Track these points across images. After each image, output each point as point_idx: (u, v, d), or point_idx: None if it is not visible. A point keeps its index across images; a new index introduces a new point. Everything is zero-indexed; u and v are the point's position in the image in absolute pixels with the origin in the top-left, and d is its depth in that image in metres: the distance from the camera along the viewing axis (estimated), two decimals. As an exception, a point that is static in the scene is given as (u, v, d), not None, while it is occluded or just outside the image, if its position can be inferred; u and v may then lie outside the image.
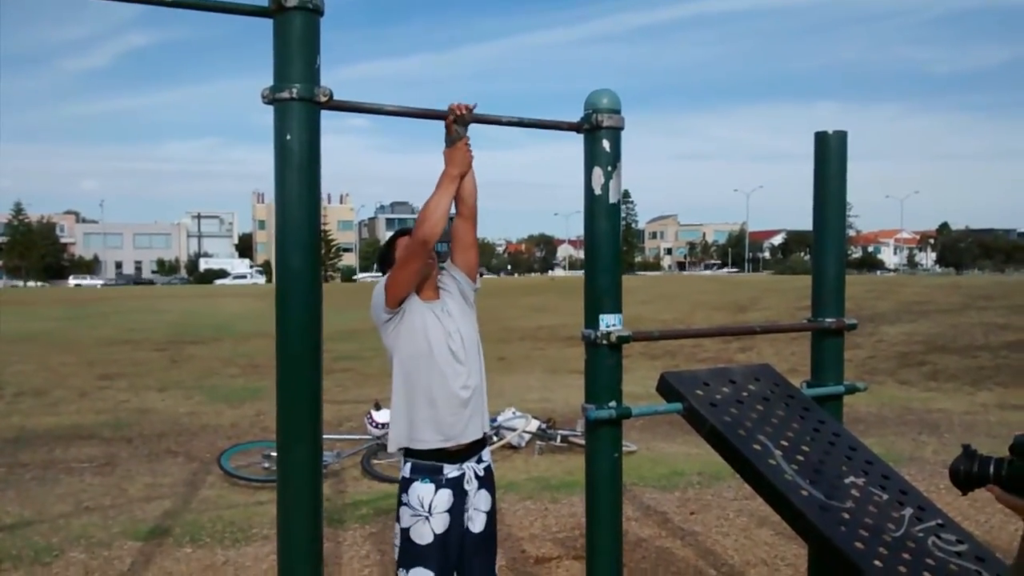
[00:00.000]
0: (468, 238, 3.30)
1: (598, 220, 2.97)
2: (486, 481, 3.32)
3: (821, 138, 3.48)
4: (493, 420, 7.99)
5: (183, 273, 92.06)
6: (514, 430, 7.80)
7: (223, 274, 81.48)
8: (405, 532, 3.16)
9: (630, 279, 49.12)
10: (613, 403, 2.94)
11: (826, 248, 3.50)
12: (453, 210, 3.21)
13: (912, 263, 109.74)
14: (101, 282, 79.22)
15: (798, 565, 4.59)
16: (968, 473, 1.93)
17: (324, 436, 7.98)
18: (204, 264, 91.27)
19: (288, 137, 2.45)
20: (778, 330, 4.00)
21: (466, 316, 3.28)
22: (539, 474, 6.94)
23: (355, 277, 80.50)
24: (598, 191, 2.95)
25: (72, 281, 79.81)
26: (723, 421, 2.99)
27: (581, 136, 2.99)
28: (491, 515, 3.31)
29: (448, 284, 3.31)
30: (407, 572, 3.15)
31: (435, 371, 3.14)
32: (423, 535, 3.14)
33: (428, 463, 3.17)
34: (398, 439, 3.20)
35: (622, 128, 2.97)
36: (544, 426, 7.90)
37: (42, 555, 5.10)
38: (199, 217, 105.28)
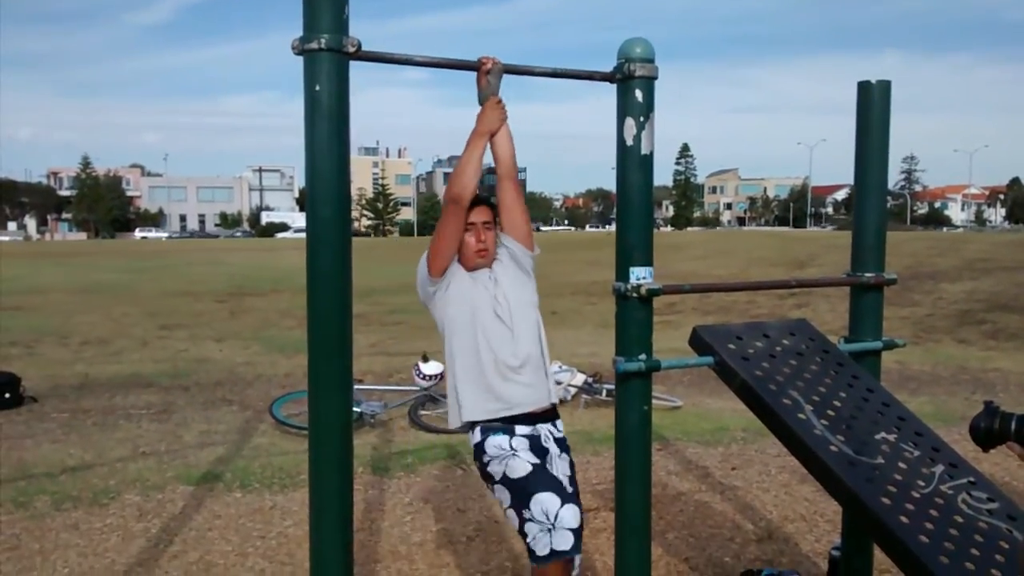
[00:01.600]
0: (508, 199, 3.23)
1: (630, 172, 2.95)
2: (564, 446, 3.27)
3: (864, 88, 3.39)
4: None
5: (245, 226, 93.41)
6: (560, 384, 7.84)
7: (284, 227, 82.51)
8: (504, 480, 3.07)
9: (686, 234, 48.67)
10: (643, 356, 2.94)
11: (867, 202, 3.43)
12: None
13: (980, 220, 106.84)
14: (166, 235, 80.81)
15: (836, 521, 4.58)
16: (989, 430, 1.92)
17: (373, 387, 8.15)
18: (265, 217, 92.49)
19: (317, 88, 2.47)
20: (814, 284, 3.95)
21: (518, 283, 3.21)
22: (583, 428, 6.99)
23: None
24: (630, 142, 2.92)
25: (138, 234, 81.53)
26: (754, 375, 2.97)
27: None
28: (574, 480, 3.25)
29: (499, 252, 3.24)
30: (528, 507, 3.00)
31: (480, 337, 3.11)
32: (518, 468, 3.06)
33: (496, 422, 3.13)
34: (457, 416, 3.16)
35: (655, 78, 2.93)
36: (591, 380, 7.92)
37: (100, 497, 5.29)
38: (260, 171, 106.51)
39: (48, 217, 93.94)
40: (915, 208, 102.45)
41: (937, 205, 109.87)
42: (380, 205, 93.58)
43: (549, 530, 2.98)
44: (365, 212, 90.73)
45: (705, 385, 8.54)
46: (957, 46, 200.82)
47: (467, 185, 3.05)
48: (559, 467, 3.18)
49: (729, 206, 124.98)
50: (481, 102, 3.04)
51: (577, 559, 3.06)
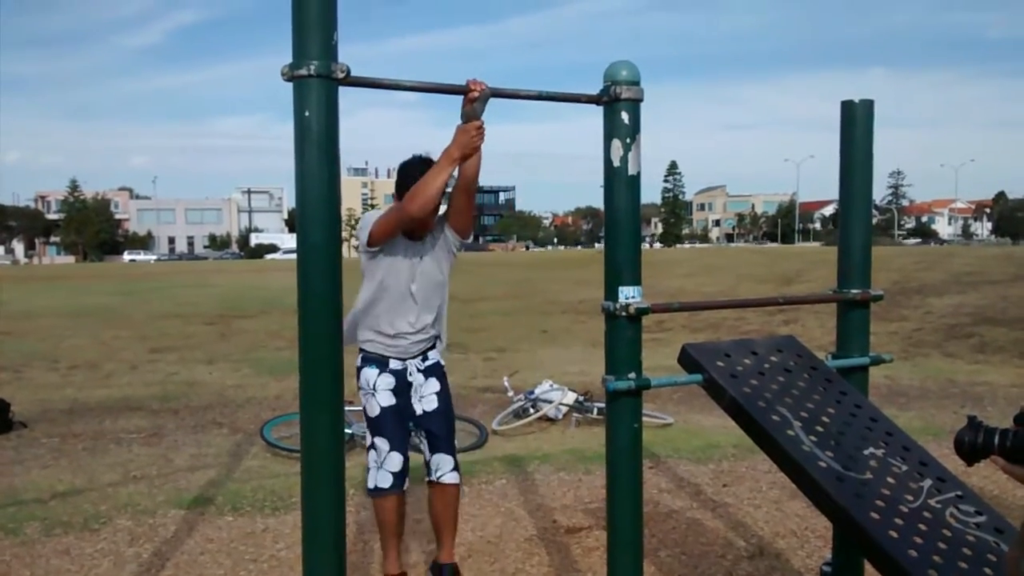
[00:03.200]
0: (459, 205, 3.81)
1: (617, 193, 2.98)
2: (431, 372, 3.97)
3: (847, 107, 3.44)
4: (530, 392, 8.06)
5: (234, 248, 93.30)
6: (550, 402, 7.85)
7: (273, 249, 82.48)
8: (364, 414, 3.94)
9: (675, 251, 48.81)
10: (633, 374, 2.96)
11: (852, 218, 3.48)
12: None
13: (967, 233, 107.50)
14: (154, 257, 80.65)
15: (827, 537, 4.58)
16: (973, 444, 1.94)
17: (359, 408, 8.12)
18: (255, 239, 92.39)
19: (307, 113, 2.49)
20: (801, 301, 3.98)
21: (438, 260, 3.88)
22: (574, 446, 6.99)
23: None
24: (617, 163, 2.96)
25: (127, 257, 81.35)
26: (742, 392, 3.00)
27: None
28: (442, 395, 3.97)
29: (436, 231, 3.86)
30: (371, 441, 3.90)
31: (390, 305, 3.82)
32: (372, 408, 3.88)
33: (374, 355, 3.91)
34: (348, 336, 3.77)
35: (641, 100, 2.97)
36: (581, 399, 7.94)
37: (91, 522, 5.27)
38: (249, 192, 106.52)
39: (36, 241, 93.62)
40: (903, 222, 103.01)
41: (924, 219, 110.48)
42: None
43: (376, 467, 3.88)
44: (354, 233, 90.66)
45: (695, 402, 8.57)
46: (942, 63, 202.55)
47: (427, 206, 3.50)
48: (423, 390, 3.94)
49: (718, 223, 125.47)
50: (462, 122, 3.08)
51: (445, 460, 4.00)
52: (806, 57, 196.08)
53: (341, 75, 2.50)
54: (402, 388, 3.91)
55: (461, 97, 3.07)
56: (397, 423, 3.91)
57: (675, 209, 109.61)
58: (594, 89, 3.00)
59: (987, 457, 1.94)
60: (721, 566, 4.46)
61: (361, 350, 3.94)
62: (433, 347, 4.01)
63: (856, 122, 3.41)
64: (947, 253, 28.88)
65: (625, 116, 2.94)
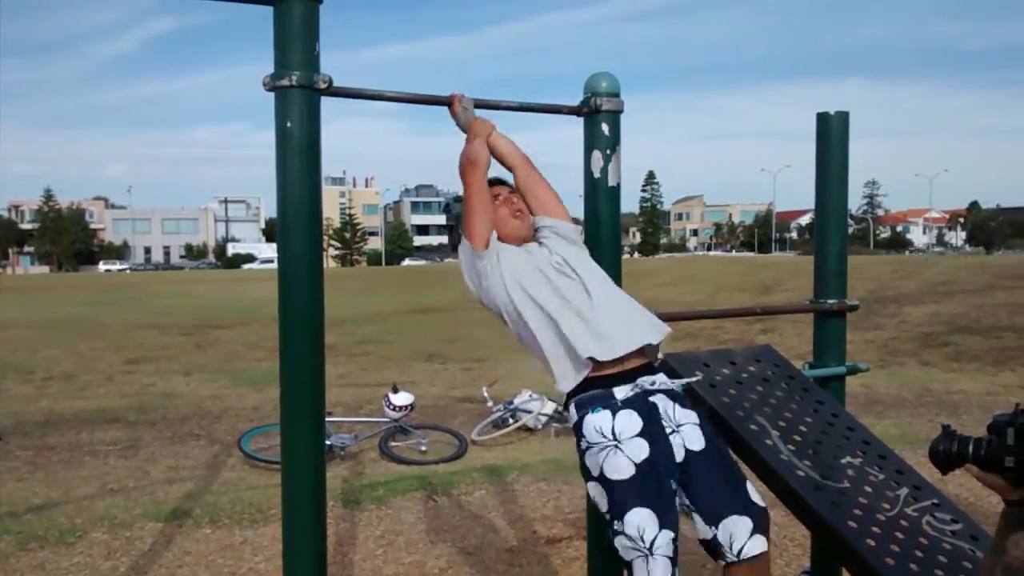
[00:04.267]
0: (524, 182, 2.95)
1: (598, 204, 3.01)
2: (679, 397, 2.67)
3: (823, 119, 3.49)
4: (510, 403, 8.07)
5: (211, 258, 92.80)
6: (530, 412, 7.86)
7: (250, 258, 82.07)
8: (601, 479, 2.53)
9: (653, 261, 49.00)
10: (613, 384, 2.97)
11: (827, 230, 3.52)
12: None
13: (942, 242, 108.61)
14: (129, 267, 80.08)
15: (806, 545, 4.62)
16: (947, 453, 1.96)
17: (343, 419, 8.11)
18: (232, 249, 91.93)
19: (288, 124, 2.50)
20: (778, 311, 4.03)
21: (571, 249, 2.83)
22: (554, 456, 7.00)
23: (405, 262, 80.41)
24: (597, 174, 2.99)
25: (102, 267, 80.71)
26: (721, 402, 3.02)
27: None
28: (706, 426, 2.65)
29: (540, 234, 2.89)
30: (622, 522, 2.47)
31: (550, 292, 2.69)
32: (619, 468, 2.50)
33: (592, 392, 2.59)
34: (560, 384, 2.66)
35: (621, 111, 3.00)
36: (561, 408, 7.95)
37: (66, 536, 5.22)
38: (226, 202, 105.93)
39: (9, 251, 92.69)
40: (878, 232, 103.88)
41: (899, 229, 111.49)
42: (347, 235, 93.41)
43: (645, 556, 2.45)
44: (332, 242, 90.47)
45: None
46: (917, 74, 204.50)
47: (478, 151, 2.79)
48: (678, 418, 2.60)
49: (695, 232, 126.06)
50: (464, 128, 3.00)
51: (742, 528, 2.56)
52: (783, 67, 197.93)
53: (323, 86, 2.51)
54: (650, 421, 2.55)
55: (444, 108, 3.08)
56: (658, 485, 2.50)
57: (653, 219, 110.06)
58: (574, 99, 3.02)
59: (961, 466, 1.97)
60: (700, 575, 4.47)
61: (570, 397, 2.65)
62: (655, 367, 2.73)
63: (831, 134, 3.46)
64: (923, 263, 29.17)
65: (605, 127, 2.96)
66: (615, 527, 2.50)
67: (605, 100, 2.95)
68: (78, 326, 19.35)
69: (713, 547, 2.58)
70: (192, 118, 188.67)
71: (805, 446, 2.93)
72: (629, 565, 2.49)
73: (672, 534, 2.47)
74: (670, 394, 2.64)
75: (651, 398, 2.58)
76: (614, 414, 2.54)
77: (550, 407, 7.94)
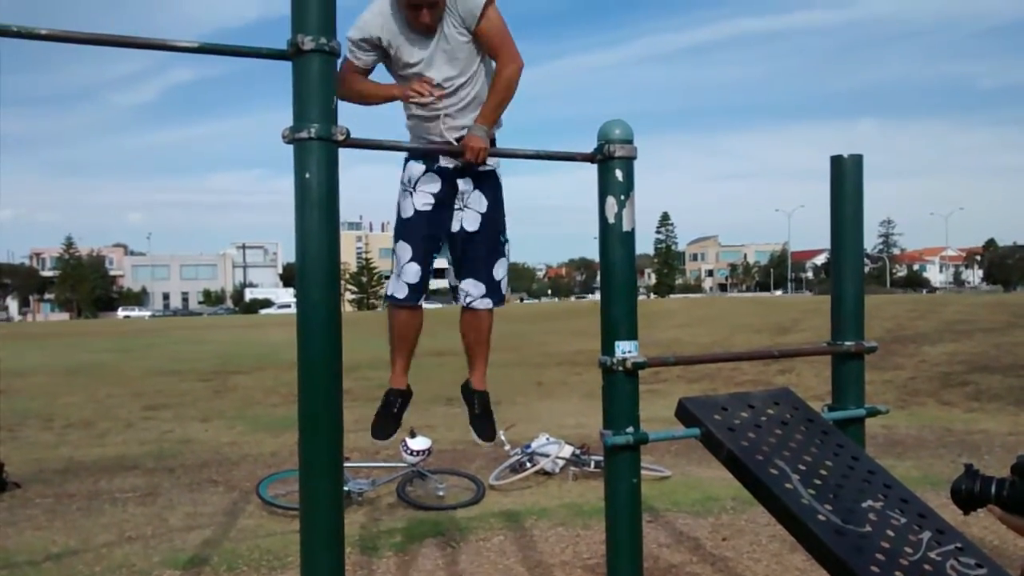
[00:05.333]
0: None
1: (612, 248, 3.03)
2: (484, 180, 3.59)
3: (836, 162, 3.50)
4: (527, 446, 8.04)
5: (229, 303, 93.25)
6: (547, 456, 7.83)
7: (268, 304, 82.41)
8: (397, 215, 3.59)
9: (669, 302, 48.87)
10: (630, 429, 2.98)
11: (844, 271, 3.52)
12: None
13: (959, 281, 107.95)
14: (148, 313, 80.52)
15: (829, 589, 4.57)
16: (970, 492, 1.96)
17: (360, 464, 8.10)
18: (249, 294, 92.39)
19: (307, 175, 2.54)
20: (796, 354, 4.03)
21: (445, 60, 3.46)
22: (572, 500, 6.96)
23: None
24: (611, 220, 3.01)
25: (121, 313, 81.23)
26: (740, 446, 3.01)
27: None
28: (488, 217, 3.60)
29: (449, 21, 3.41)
30: (395, 244, 3.58)
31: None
32: (405, 208, 3.56)
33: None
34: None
35: (634, 158, 3.03)
36: (578, 452, 7.92)
37: (85, 584, 5.22)
38: (244, 248, 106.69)
39: (30, 298, 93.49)
40: (894, 271, 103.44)
41: (916, 267, 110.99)
42: (364, 279, 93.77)
43: (397, 274, 3.58)
44: (349, 286, 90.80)
45: (693, 454, 8.54)
46: (931, 113, 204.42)
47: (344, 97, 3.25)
48: (470, 201, 3.58)
49: (711, 273, 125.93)
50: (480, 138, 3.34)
51: (474, 288, 3.66)
52: (797, 108, 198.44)
53: (341, 137, 2.56)
54: (446, 192, 3.58)
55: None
56: (426, 229, 3.57)
57: (668, 260, 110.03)
58: (586, 140, 3.08)
59: (984, 506, 1.96)
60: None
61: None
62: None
63: (846, 177, 3.47)
64: (940, 301, 28.99)
65: (619, 174, 2.99)
66: (392, 246, 3.57)
67: (618, 147, 2.98)
68: (97, 373, 19.45)
69: (455, 291, 3.71)
70: (211, 165, 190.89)
71: (826, 490, 2.91)
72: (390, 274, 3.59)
73: (417, 268, 3.55)
74: (477, 178, 3.55)
75: (458, 179, 3.54)
76: (426, 171, 3.53)
77: (567, 451, 7.90)
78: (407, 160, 3.57)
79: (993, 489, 1.92)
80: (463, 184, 3.56)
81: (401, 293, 3.59)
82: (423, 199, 3.53)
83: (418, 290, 3.60)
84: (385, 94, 3.43)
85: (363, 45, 3.40)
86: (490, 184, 3.62)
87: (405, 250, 3.55)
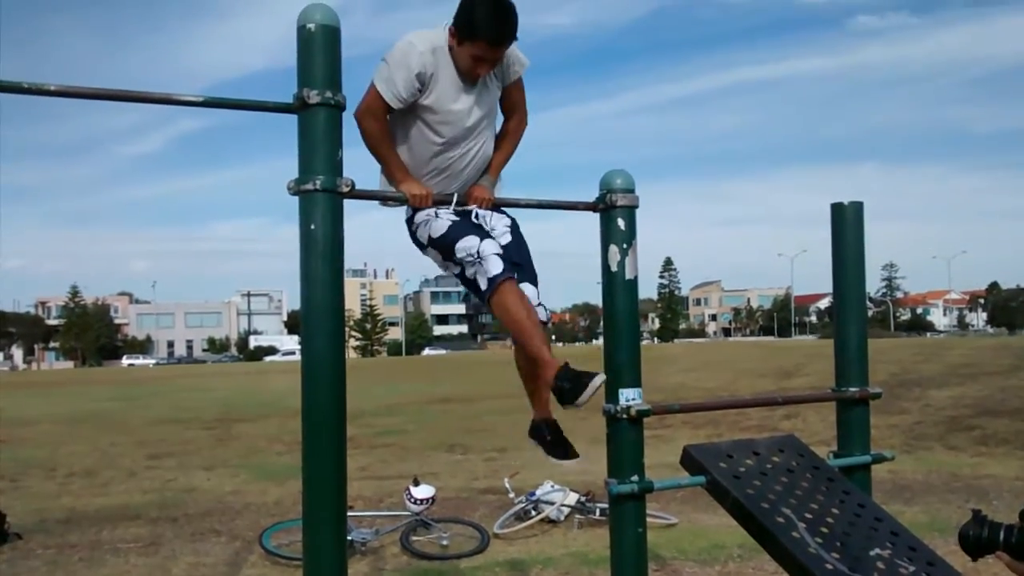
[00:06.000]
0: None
1: (615, 297, 3.05)
2: (497, 209, 3.43)
3: (837, 209, 3.54)
4: (531, 494, 7.99)
5: (233, 351, 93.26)
6: (552, 504, 7.78)
7: (272, 351, 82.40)
8: (431, 242, 3.35)
9: (673, 347, 48.82)
10: (635, 477, 2.97)
11: (847, 317, 3.53)
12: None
13: (963, 324, 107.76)
14: (153, 361, 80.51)
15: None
16: (978, 538, 1.95)
17: (363, 513, 8.04)
18: (254, 341, 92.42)
19: (312, 227, 2.57)
20: (800, 400, 4.03)
21: (477, 122, 3.36)
22: (578, 549, 6.90)
23: (425, 352, 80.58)
24: (614, 268, 3.04)
25: (126, 361, 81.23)
26: (746, 494, 3.00)
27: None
28: (515, 229, 3.45)
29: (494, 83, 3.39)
30: (454, 255, 3.27)
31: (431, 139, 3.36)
32: (440, 227, 3.31)
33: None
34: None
35: (636, 206, 3.07)
36: (583, 499, 7.86)
37: (86, 636, 5.17)
38: (248, 295, 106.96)
39: (35, 346, 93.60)
40: (898, 314, 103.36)
41: (919, 311, 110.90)
42: (368, 326, 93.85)
43: (479, 262, 3.23)
44: (353, 333, 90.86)
45: (699, 501, 8.47)
46: (931, 157, 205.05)
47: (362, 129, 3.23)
48: (493, 223, 3.39)
49: (714, 317, 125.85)
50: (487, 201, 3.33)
51: (531, 291, 3.34)
52: (796, 154, 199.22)
53: (346, 189, 2.60)
54: (467, 217, 3.35)
55: None
56: (476, 226, 3.31)
57: (671, 304, 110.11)
58: (587, 186, 3.11)
59: (992, 552, 1.95)
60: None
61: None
62: None
63: (847, 224, 3.50)
64: (944, 345, 28.93)
65: (621, 222, 3.02)
66: (456, 259, 3.28)
67: (620, 196, 3.02)
68: (101, 421, 19.41)
69: None
70: (216, 213, 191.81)
71: (833, 538, 2.89)
72: (473, 280, 3.28)
73: (493, 241, 3.28)
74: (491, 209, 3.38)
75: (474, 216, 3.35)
76: (438, 212, 3.32)
77: (573, 498, 7.85)
78: (413, 211, 3.37)
79: (1001, 535, 1.91)
80: (480, 212, 3.36)
81: (497, 267, 3.20)
82: (448, 215, 3.31)
83: (509, 258, 3.28)
84: (398, 176, 3.24)
85: (415, 82, 3.14)
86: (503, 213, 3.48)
87: (470, 240, 3.25)
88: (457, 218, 3.28)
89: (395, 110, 3.18)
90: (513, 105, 3.44)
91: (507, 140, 3.48)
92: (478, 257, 3.21)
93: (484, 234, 3.28)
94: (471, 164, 3.38)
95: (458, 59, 3.17)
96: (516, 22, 3.15)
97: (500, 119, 3.50)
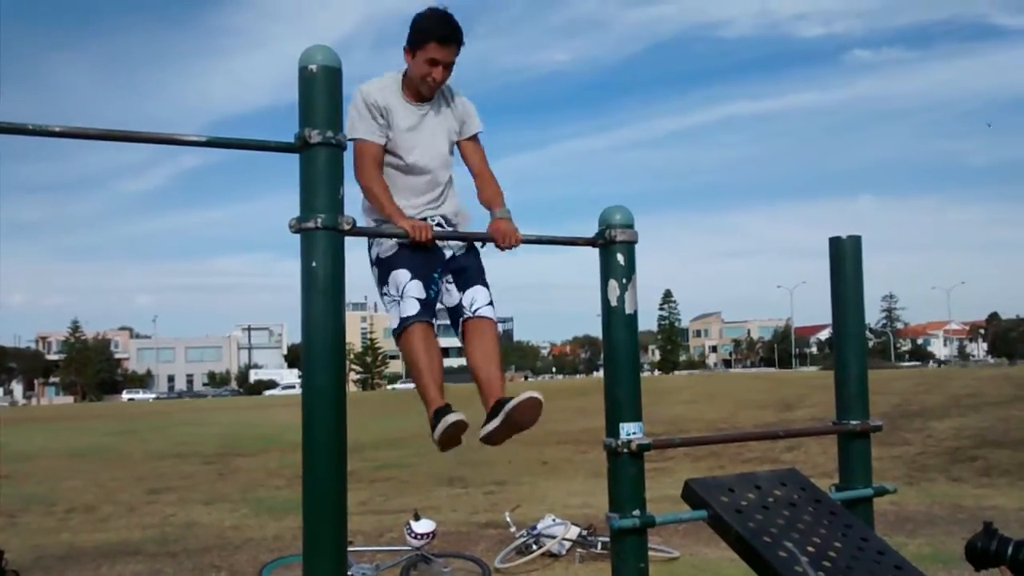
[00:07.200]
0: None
1: (615, 331, 3.07)
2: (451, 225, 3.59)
3: (835, 243, 3.56)
4: (532, 528, 7.95)
5: (233, 384, 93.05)
6: (554, 538, 7.74)
7: (272, 385, 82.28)
8: (377, 261, 3.45)
9: (673, 379, 48.76)
10: (637, 512, 2.97)
11: (847, 351, 3.55)
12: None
13: (963, 354, 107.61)
14: (153, 396, 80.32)
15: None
16: (985, 551, 1.95)
17: (364, 548, 8.00)
18: (254, 375, 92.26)
19: (313, 264, 2.59)
20: (801, 434, 4.01)
21: (430, 142, 3.53)
22: (580, 583, 6.86)
23: None
24: (614, 303, 3.05)
25: (126, 396, 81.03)
26: (748, 527, 3.00)
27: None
28: (471, 248, 3.56)
29: (448, 107, 3.59)
30: (386, 279, 3.39)
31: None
32: (385, 247, 3.42)
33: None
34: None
35: (635, 242, 3.09)
36: (585, 532, 7.82)
37: (85, 675, 5.13)
38: (249, 329, 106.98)
39: (35, 381, 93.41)
40: (899, 345, 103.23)
41: (920, 341, 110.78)
42: (369, 359, 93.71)
43: (399, 300, 3.35)
44: (354, 366, 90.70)
45: (701, 534, 8.42)
46: (927, 190, 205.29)
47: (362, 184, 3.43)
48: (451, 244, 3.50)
49: (714, 348, 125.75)
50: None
51: (482, 292, 3.51)
52: (794, 187, 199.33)
53: (347, 227, 2.62)
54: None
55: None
56: (420, 258, 3.36)
57: (671, 336, 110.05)
58: (586, 221, 3.14)
59: (997, 565, 1.95)
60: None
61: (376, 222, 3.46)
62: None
63: (845, 257, 3.52)
64: (945, 376, 28.88)
65: (620, 258, 3.04)
66: (386, 287, 3.40)
67: (619, 231, 3.04)
68: (100, 456, 19.34)
69: (455, 309, 3.51)
70: (217, 248, 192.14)
71: (836, 572, 2.89)
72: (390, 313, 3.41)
73: (419, 284, 3.35)
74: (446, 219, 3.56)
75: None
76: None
77: (574, 532, 7.81)
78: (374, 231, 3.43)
79: (1010, 551, 1.91)
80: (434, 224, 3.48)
81: (412, 310, 3.34)
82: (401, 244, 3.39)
83: (429, 305, 3.38)
84: (390, 211, 3.33)
85: (372, 111, 3.41)
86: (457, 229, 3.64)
87: (401, 275, 3.36)
88: (408, 247, 3.33)
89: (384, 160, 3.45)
90: (478, 163, 3.63)
91: (484, 176, 3.61)
92: (399, 294, 3.36)
93: (422, 273, 3.36)
94: (441, 187, 3.57)
95: (413, 72, 3.44)
96: (460, 28, 3.42)
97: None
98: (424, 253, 3.35)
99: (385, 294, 3.42)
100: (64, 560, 8.60)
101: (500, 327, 3.64)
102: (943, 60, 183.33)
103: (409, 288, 3.33)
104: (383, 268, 3.42)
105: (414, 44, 3.41)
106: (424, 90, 3.46)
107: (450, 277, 3.51)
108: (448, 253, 3.51)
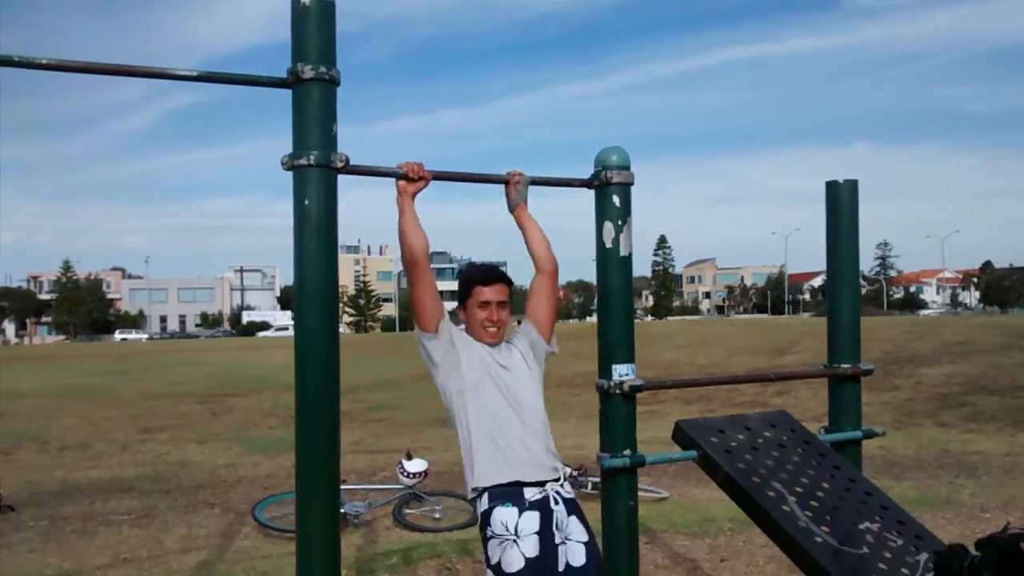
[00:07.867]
0: (539, 288, 3.48)
1: (610, 273, 3.05)
2: (575, 508, 3.32)
3: (832, 187, 3.53)
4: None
5: (226, 326, 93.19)
6: (546, 478, 7.81)
7: (265, 326, 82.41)
8: (496, 568, 3.13)
9: (666, 324, 48.93)
10: (628, 451, 2.98)
11: (840, 295, 3.54)
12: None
13: (956, 302, 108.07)
14: (146, 336, 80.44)
15: (827, 612, 4.56)
16: (949, 569, 2.00)
17: (357, 486, 8.08)
18: (247, 317, 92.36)
19: (306, 202, 2.56)
20: (792, 377, 4.04)
21: (524, 375, 3.40)
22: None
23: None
24: (609, 245, 3.03)
25: (118, 336, 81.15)
26: (737, 468, 3.02)
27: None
28: (590, 546, 3.25)
29: (516, 338, 3.47)
30: None
31: (488, 406, 3.29)
32: (512, 561, 3.11)
33: (506, 488, 3.21)
34: (470, 482, 3.29)
35: (631, 184, 3.05)
36: (576, 473, 7.88)
37: (81, 608, 5.20)
38: (242, 271, 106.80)
39: (27, 321, 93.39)
40: (891, 293, 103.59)
41: (913, 289, 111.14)
42: (362, 302, 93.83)
43: None
44: (347, 309, 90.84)
45: (691, 475, 8.52)
46: (923, 137, 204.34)
47: (415, 244, 3.17)
48: (569, 531, 3.23)
49: (708, 295, 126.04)
50: (511, 209, 3.31)
51: None
52: (790, 133, 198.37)
53: (340, 164, 2.58)
54: (546, 524, 3.20)
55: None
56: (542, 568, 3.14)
57: (665, 282, 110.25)
58: (581, 163, 3.10)
59: None
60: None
61: (483, 490, 3.26)
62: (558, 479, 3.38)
63: (841, 202, 3.50)
64: (937, 323, 29.03)
65: (616, 199, 3.01)
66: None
67: (615, 173, 3.01)
68: (93, 395, 19.43)
69: None
70: (209, 189, 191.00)
71: (823, 512, 2.92)
72: None
73: None
74: (568, 505, 3.28)
75: (552, 505, 3.22)
76: (520, 512, 3.17)
77: (565, 472, 7.87)
78: (489, 511, 3.21)
79: (966, 564, 1.95)
80: (558, 512, 3.25)
81: None
82: (530, 545, 3.14)
83: None
84: (403, 202, 3.16)
85: (443, 338, 3.32)
86: (580, 511, 3.36)
87: None
88: (536, 553, 3.12)
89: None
90: (532, 229, 3.47)
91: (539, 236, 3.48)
92: None
93: None
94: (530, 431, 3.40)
95: (471, 326, 3.37)
96: (503, 272, 3.45)
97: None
98: (543, 562, 3.14)
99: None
100: (58, 496, 8.68)
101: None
102: (944, 5, 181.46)
103: None
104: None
105: (463, 295, 3.44)
106: (486, 339, 3.37)
107: None
108: (562, 561, 3.19)
